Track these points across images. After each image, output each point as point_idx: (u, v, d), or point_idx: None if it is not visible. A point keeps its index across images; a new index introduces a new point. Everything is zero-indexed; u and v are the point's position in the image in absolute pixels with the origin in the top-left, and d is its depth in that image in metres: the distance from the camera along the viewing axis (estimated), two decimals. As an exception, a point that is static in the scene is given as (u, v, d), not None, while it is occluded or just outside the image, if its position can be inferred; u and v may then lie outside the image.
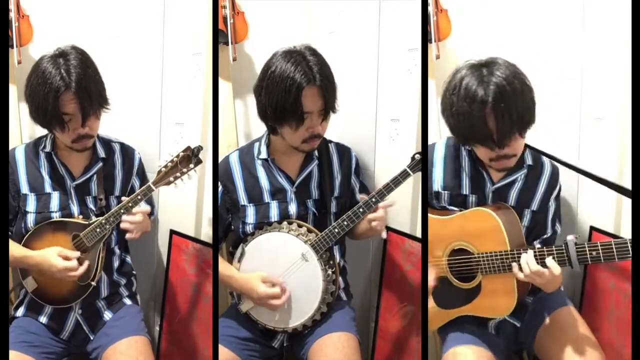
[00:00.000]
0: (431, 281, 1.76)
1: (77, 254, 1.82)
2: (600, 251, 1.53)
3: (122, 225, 1.81)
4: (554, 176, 1.79)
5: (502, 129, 1.56)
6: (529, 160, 1.76)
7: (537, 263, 1.59)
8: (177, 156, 1.79)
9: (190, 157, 1.78)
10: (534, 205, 1.77)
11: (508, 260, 1.65)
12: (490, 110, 1.55)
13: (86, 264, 1.82)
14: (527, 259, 1.60)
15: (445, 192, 1.79)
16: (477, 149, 1.69)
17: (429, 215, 1.77)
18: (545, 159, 1.77)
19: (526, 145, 1.70)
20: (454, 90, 1.61)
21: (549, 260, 1.58)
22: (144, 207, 1.81)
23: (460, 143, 1.75)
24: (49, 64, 1.75)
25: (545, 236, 1.81)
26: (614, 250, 1.51)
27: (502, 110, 1.55)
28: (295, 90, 1.69)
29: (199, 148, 1.79)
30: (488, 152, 1.65)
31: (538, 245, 1.63)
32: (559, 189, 1.81)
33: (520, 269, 1.62)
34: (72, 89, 1.72)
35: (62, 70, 1.73)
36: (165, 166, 1.79)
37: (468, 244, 1.72)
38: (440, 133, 2.05)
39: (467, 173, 1.77)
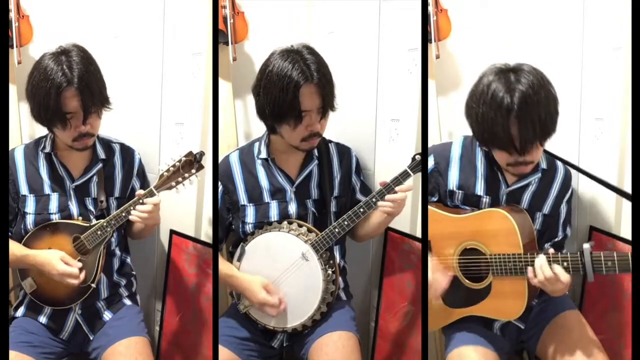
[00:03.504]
0: (443, 282, 1.74)
1: (79, 264, 1.82)
2: (616, 262, 1.50)
3: (132, 218, 1.79)
4: (567, 180, 1.79)
5: (525, 137, 1.57)
6: (543, 164, 1.76)
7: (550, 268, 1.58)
8: (179, 161, 1.78)
9: (193, 162, 1.78)
10: (546, 209, 1.77)
11: (521, 264, 1.63)
12: (514, 118, 1.55)
13: (84, 272, 1.82)
14: (542, 263, 1.59)
15: (460, 191, 1.78)
16: (496, 152, 1.68)
17: (442, 212, 1.77)
18: (559, 162, 1.77)
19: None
20: (480, 94, 1.61)
21: (557, 268, 1.56)
22: (154, 198, 1.80)
23: (481, 145, 1.75)
24: (51, 61, 1.74)
25: (556, 239, 1.81)
26: (630, 261, 1.48)
27: (526, 119, 1.55)
28: (292, 88, 1.69)
29: (201, 154, 1.79)
30: (507, 157, 1.65)
31: (552, 250, 1.61)
32: (571, 193, 1.80)
33: (535, 274, 1.60)
34: (74, 84, 1.72)
35: (65, 67, 1.73)
36: (167, 170, 1.79)
37: (480, 244, 1.71)
38: (440, 133, 2.05)
39: (482, 174, 1.77)
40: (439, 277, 1.73)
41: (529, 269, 1.61)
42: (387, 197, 1.74)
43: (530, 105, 1.55)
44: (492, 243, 1.69)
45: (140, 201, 1.79)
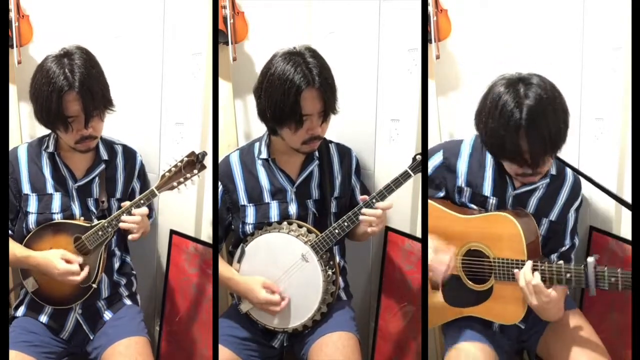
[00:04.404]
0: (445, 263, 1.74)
1: (80, 259, 1.82)
2: (620, 278, 1.50)
3: (122, 226, 1.81)
4: (576, 188, 1.77)
5: (535, 151, 1.56)
6: (552, 170, 1.74)
7: (554, 280, 1.57)
8: (181, 161, 1.79)
9: (195, 162, 1.79)
10: (553, 216, 1.76)
11: None
12: (524, 133, 1.54)
13: (87, 269, 1.82)
14: (525, 269, 1.60)
15: (468, 188, 1.78)
16: (506, 163, 1.67)
17: (448, 211, 1.77)
18: (568, 169, 1.75)
19: None
20: (490, 108, 1.59)
21: (535, 275, 1.57)
22: (141, 209, 1.82)
23: (492, 155, 1.75)
24: (53, 64, 1.74)
25: (563, 249, 1.79)
26: (632, 279, 1.48)
27: (534, 134, 1.54)
28: (294, 92, 1.68)
29: (203, 154, 1.79)
30: (517, 169, 1.64)
31: (560, 262, 1.60)
32: (580, 201, 1.79)
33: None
34: (75, 88, 1.72)
35: (66, 70, 1.72)
36: (169, 171, 1.79)
37: (485, 247, 1.71)
38: (440, 133, 2.05)
39: (490, 174, 1.76)
40: (441, 258, 1.72)
41: (515, 271, 1.62)
42: (365, 211, 1.73)
43: (538, 120, 1.53)
44: (496, 247, 1.69)
45: (142, 201, 1.80)
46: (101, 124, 1.83)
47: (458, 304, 1.76)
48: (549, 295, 1.57)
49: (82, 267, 1.82)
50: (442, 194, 1.83)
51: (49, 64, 1.75)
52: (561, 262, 1.61)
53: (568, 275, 1.56)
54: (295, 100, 1.69)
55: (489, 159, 1.77)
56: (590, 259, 1.53)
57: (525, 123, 1.53)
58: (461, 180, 1.79)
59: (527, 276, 1.58)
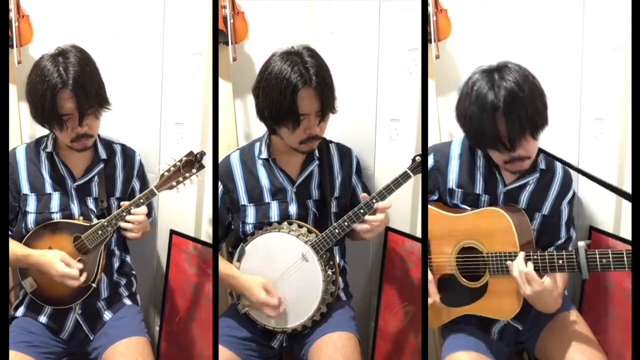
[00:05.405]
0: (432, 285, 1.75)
1: (80, 265, 1.82)
2: (611, 259, 1.51)
3: (123, 225, 1.81)
4: (566, 181, 1.78)
5: (513, 132, 1.58)
6: (542, 165, 1.75)
7: (547, 268, 1.58)
8: (180, 161, 1.79)
9: (193, 162, 1.79)
10: (545, 210, 1.77)
11: None
12: (501, 115, 1.57)
13: (85, 275, 1.82)
14: (518, 260, 1.60)
15: (459, 190, 1.79)
16: (490, 152, 1.69)
17: (440, 211, 1.77)
18: (557, 163, 1.77)
19: (540, 150, 1.70)
20: (467, 95, 1.63)
21: (529, 265, 1.58)
22: (141, 208, 1.82)
23: (475, 147, 1.76)
24: (48, 62, 1.75)
25: (559, 242, 1.79)
26: (625, 258, 1.49)
27: (512, 114, 1.56)
28: (290, 92, 1.68)
29: (202, 153, 1.79)
30: (500, 155, 1.66)
31: (552, 250, 1.62)
32: (572, 194, 1.80)
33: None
34: (69, 86, 1.72)
35: (61, 68, 1.73)
36: (168, 170, 1.80)
37: (478, 243, 1.71)
38: (440, 133, 2.05)
39: (481, 173, 1.77)
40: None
41: (509, 263, 1.63)
42: (368, 218, 1.74)
43: (515, 101, 1.56)
44: (489, 242, 1.69)
45: (141, 200, 1.80)
46: (97, 122, 1.83)
47: (455, 303, 1.76)
48: (541, 284, 1.57)
49: (81, 272, 1.82)
50: (435, 197, 1.84)
51: (44, 62, 1.76)
52: (553, 249, 1.62)
53: (560, 261, 1.58)
54: (292, 100, 1.69)
55: (480, 156, 1.78)
56: (581, 243, 1.55)
57: (502, 105, 1.56)
58: (452, 182, 1.79)
59: (521, 266, 1.59)
